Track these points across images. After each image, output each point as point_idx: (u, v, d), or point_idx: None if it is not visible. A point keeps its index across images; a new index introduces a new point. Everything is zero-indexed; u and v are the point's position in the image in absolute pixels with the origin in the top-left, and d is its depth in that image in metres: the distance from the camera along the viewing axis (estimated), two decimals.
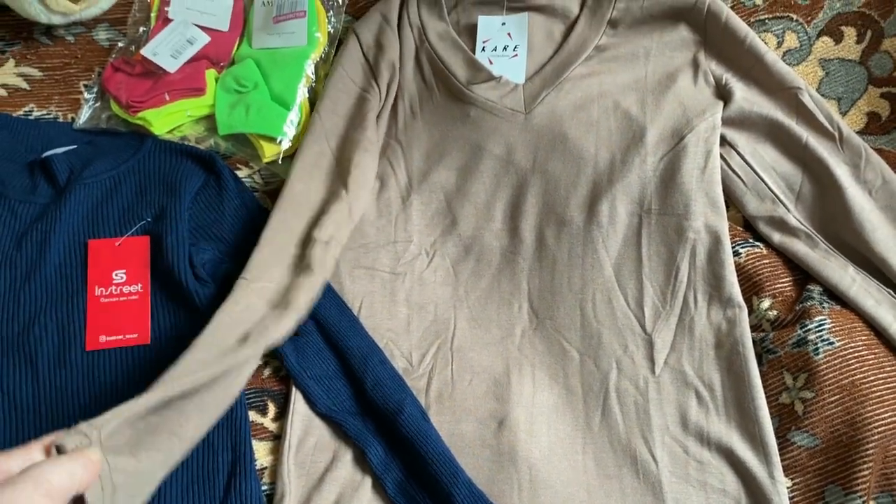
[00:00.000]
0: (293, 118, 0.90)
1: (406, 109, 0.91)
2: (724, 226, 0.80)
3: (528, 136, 0.86)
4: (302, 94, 0.91)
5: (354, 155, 0.86)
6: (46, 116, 0.91)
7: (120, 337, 0.76)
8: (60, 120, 0.91)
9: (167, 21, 0.94)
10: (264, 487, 0.72)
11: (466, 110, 0.88)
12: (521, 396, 0.77)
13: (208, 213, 0.85)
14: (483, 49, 0.91)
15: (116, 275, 0.79)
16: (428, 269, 0.85)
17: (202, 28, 0.94)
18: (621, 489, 0.71)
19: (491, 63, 0.90)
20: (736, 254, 0.80)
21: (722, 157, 0.83)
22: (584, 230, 0.82)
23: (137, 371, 0.75)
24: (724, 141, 0.84)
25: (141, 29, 0.95)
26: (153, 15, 0.95)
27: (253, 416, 0.75)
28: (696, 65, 0.87)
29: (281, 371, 0.79)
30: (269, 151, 0.89)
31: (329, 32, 0.95)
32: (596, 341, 0.78)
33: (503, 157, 0.86)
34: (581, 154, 0.84)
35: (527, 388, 0.78)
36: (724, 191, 0.82)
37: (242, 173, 0.90)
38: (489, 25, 0.92)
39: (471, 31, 0.93)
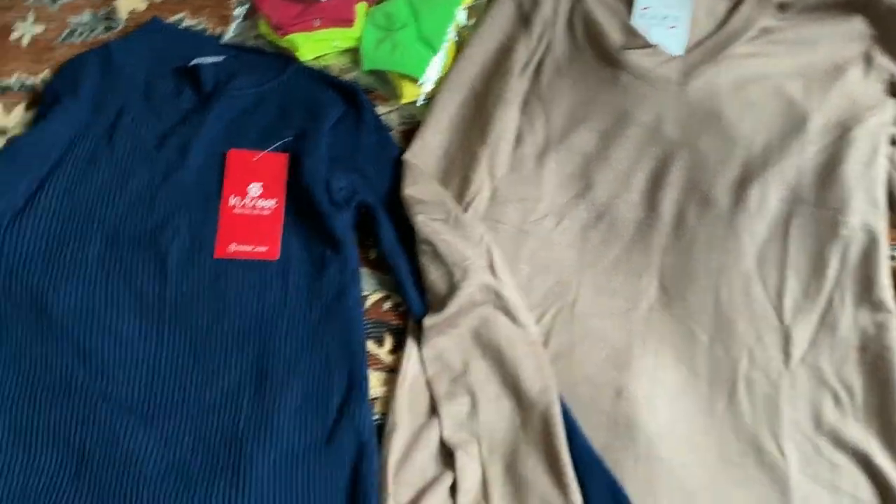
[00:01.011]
0: (438, 61, 0.88)
1: (552, 67, 0.89)
2: (882, 227, 0.76)
3: (679, 109, 0.83)
4: (450, 38, 0.90)
5: (497, 108, 0.84)
6: (196, 27, 0.91)
7: (249, 248, 0.76)
8: (208, 33, 0.91)
9: None
10: (375, 417, 0.71)
11: (617, 75, 0.85)
12: (641, 370, 0.74)
13: (345, 143, 0.84)
14: (641, 16, 0.88)
15: (252, 188, 0.79)
16: (555, 230, 0.83)
17: None
18: (745, 477, 0.68)
19: (648, 31, 0.87)
20: (893, 258, 0.76)
21: (889, 157, 0.79)
22: (729, 213, 0.79)
23: (263, 285, 0.75)
24: (893, 141, 0.79)
25: None
26: None
27: (369, 345, 0.75)
28: (868, 59, 0.82)
29: (401, 307, 0.78)
30: (410, 92, 0.88)
31: None
32: (728, 328, 0.75)
33: (650, 126, 0.83)
34: (735, 134, 0.81)
35: (648, 362, 0.75)
36: (888, 192, 0.77)
37: (379, 110, 0.89)
38: None
39: None
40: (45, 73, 0.84)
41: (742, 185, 0.79)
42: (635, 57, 0.85)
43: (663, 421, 0.71)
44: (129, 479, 0.63)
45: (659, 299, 0.78)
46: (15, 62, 0.84)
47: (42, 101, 0.81)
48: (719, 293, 0.77)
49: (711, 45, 0.85)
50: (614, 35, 0.87)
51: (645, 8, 0.88)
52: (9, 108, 0.81)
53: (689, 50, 0.85)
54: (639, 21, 0.88)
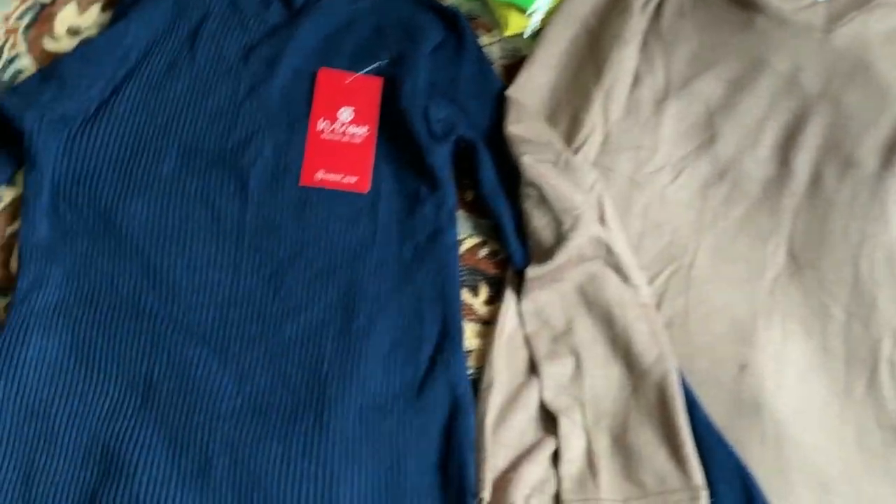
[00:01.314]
0: None
1: (674, 6, 0.80)
2: None
3: (822, 58, 0.74)
4: None
5: (614, 46, 0.76)
6: None
7: (338, 177, 0.69)
8: None
9: None
10: (469, 371, 0.63)
11: (751, 18, 0.76)
12: (768, 344, 0.66)
13: (444, 72, 0.76)
14: None
15: (343, 112, 0.72)
16: (672, 185, 0.74)
17: None
18: (886, 470, 0.60)
19: None
20: None
21: None
22: (876, 177, 0.70)
23: (350, 218, 0.67)
24: None
25: None
26: None
27: (463, 294, 0.67)
28: None
29: (499, 254, 0.70)
30: (515, 23, 0.80)
31: None
32: (869, 303, 0.67)
33: (787, 76, 0.74)
34: (887, 90, 0.72)
35: (775, 336, 0.67)
36: None
37: (481, 41, 0.81)
38: None
39: None
40: None
41: (892, 148, 0.70)
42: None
43: (793, 401, 0.63)
44: (201, 416, 0.57)
45: (787, 267, 0.70)
46: None
47: (120, 1, 0.74)
48: (858, 265, 0.68)
49: None
50: None
51: None
52: (84, 7, 0.74)
53: None
54: None
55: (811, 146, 0.72)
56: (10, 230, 0.64)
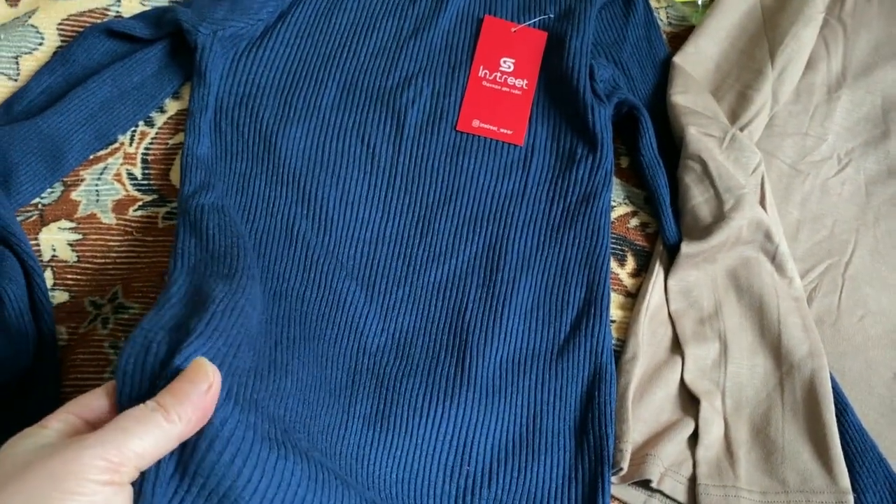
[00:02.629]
0: None
1: None
2: None
3: None
4: None
5: (795, 24, 0.71)
6: None
7: (494, 128, 0.67)
8: None
9: None
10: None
11: None
12: None
13: (609, 32, 0.74)
14: None
15: (504, 62, 0.70)
16: (835, 177, 0.71)
17: None
18: None
19: None
20: None
21: None
22: None
23: (502, 170, 0.66)
24: None
25: None
26: None
27: (611, 263, 0.65)
28: None
29: (649, 227, 0.68)
30: None
31: None
32: None
33: None
34: None
35: None
36: None
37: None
38: None
39: None
40: None
41: None
42: None
43: None
44: (348, 346, 0.57)
45: None
46: None
47: None
48: None
49: None
50: None
51: None
52: None
53: None
54: None
55: None
56: (172, 142, 0.65)
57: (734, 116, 0.70)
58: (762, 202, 0.66)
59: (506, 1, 0.73)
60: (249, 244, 0.56)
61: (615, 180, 0.69)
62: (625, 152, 0.71)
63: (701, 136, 0.67)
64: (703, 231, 0.64)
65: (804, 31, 0.72)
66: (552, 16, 0.72)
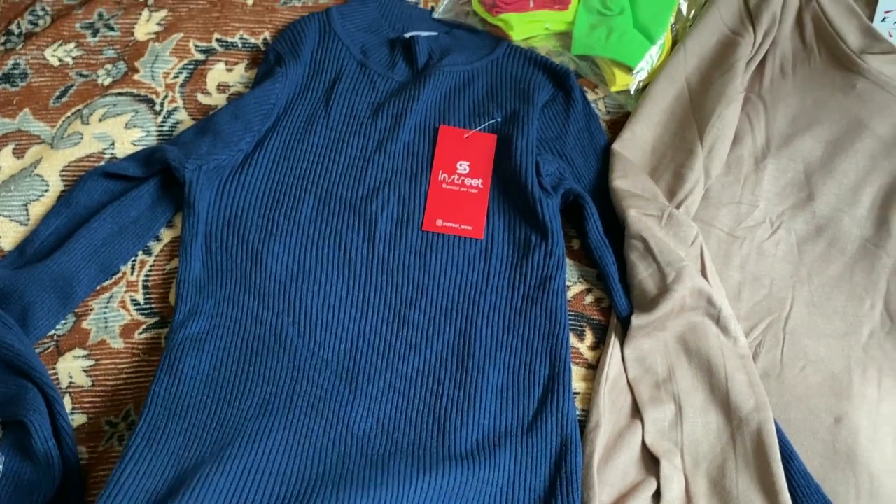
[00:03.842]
0: (654, 51, 0.85)
1: (776, 66, 0.84)
2: None
3: None
4: (668, 28, 0.86)
5: (718, 106, 0.80)
6: None
7: (455, 225, 0.75)
8: (422, 6, 0.91)
9: None
10: (576, 412, 0.68)
11: (852, 81, 0.80)
12: (863, 399, 0.69)
13: (552, 127, 0.82)
14: (884, 19, 0.82)
15: (461, 165, 0.78)
16: (769, 239, 0.78)
17: None
18: None
19: (891, 36, 0.81)
20: None
21: None
22: None
23: (466, 263, 0.74)
24: None
25: None
26: None
27: (570, 339, 0.72)
28: None
29: (603, 302, 0.75)
30: (621, 80, 0.85)
31: None
32: None
33: (887, 139, 0.77)
34: None
35: (871, 392, 0.70)
36: None
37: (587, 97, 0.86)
38: None
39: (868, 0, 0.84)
40: (266, 34, 0.86)
41: None
42: (876, 62, 0.79)
43: (890, 457, 0.66)
44: (338, 434, 0.64)
45: (883, 325, 0.73)
46: (239, 21, 0.86)
47: (265, 60, 0.82)
48: None
49: None
50: (852, 38, 0.81)
51: (888, 11, 0.82)
52: (231, 66, 0.83)
53: None
54: (880, 24, 0.82)
55: None
56: (168, 267, 0.73)
57: (671, 194, 0.78)
58: (703, 271, 0.74)
59: (458, 109, 0.82)
60: (219, 385, 0.65)
61: (569, 262, 0.76)
62: (576, 235, 0.78)
63: (641, 216, 0.74)
64: (651, 303, 0.71)
65: (727, 111, 0.80)
66: (499, 119, 0.81)
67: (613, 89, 0.85)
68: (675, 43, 0.86)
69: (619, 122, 0.85)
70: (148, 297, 0.71)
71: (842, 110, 0.79)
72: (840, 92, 0.80)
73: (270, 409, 0.63)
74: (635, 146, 0.81)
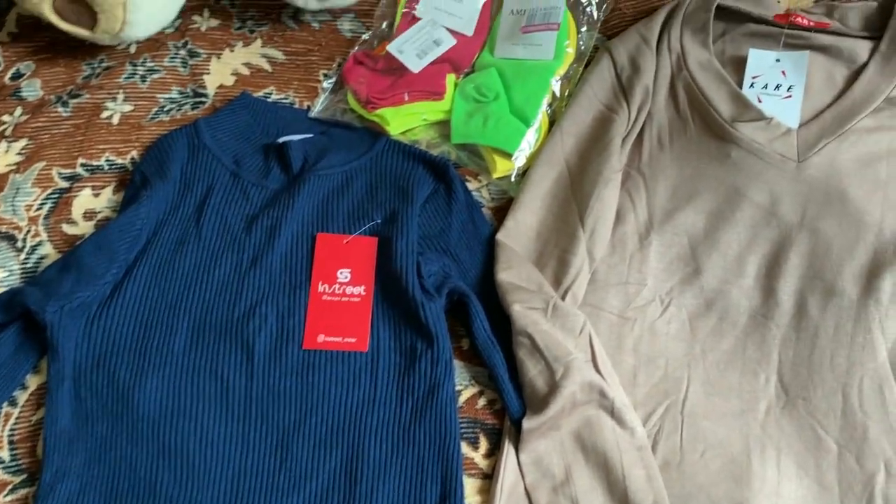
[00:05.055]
0: (531, 135, 0.84)
1: (653, 140, 0.83)
2: None
3: (798, 188, 0.76)
4: (543, 110, 0.85)
5: (596, 187, 0.79)
6: (284, 101, 0.89)
7: (338, 339, 0.73)
8: (296, 106, 0.89)
9: (413, 19, 0.91)
10: None
11: (726, 150, 0.79)
12: (763, 483, 0.68)
13: (435, 222, 0.80)
14: (752, 85, 0.82)
15: (341, 273, 0.76)
16: (661, 318, 0.77)
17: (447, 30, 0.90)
18: None
19: (760, 102, 0.81)
20: None
21: None
22: (858, 305, 0.72)
23: (351, 379, 0.71)
24: None
25: (385, 24, 0.93)
26: (400, 11, 0.92)
27: (464, 448, 0.70)
28: None
29: (496, 404, 0.73)
30: (502, 167, 0.84)
31: (579, 48, 0.89)
32: (860, 435, 0.68)
33: (765, 207, 0.77)
34: (863, 217, 0.74)
35: (770, 474, 0.68)
36: None
37: (470, 186, 0.85)
38: (761, 60, 0.83)
39: (737, 65, 0.84)
40: (133, 153, 0.83)
41: (872, 275, 0.72)
42: (747, 130, 0.79)
43: None
44: None
45: (778, 400, 0.72)
46: (105, 142, 0.83)
47: (131, 182, 0.80)
48: (848, 395, 0.70)
49: (831, 118, 0.78)
50: (723, 106, 0.81)
51: (756, 76, 0.83)
52: (98, 190, 0.80)
53: (806, 122, 0.79)
54: (749, 91, 0.82)
55: (793, 276, 0.75)
56: (35, 418, 0.69)
57: (557, 281, 0.76)
58: (594, 360, 0.72)
59: (336, 214, 0.80)
60: None
61: (459, 363, 0.74)
62: (464, 334, 0.76)
63: (526, 310, 0.72)
64: (542, 402, 0.69)
65: (605, 191, 0.79)
66: (379, 221, 0.79)
67: (495, 176, 0.84)
68: (552, 124, 0.86)
69: (504, 208, 0.83)
70: (14, 452, 0.67)
71: (719, 180, 0.79)
72: (716, 161, 0.80)
73: None
74: (519, 234, 0.80)
